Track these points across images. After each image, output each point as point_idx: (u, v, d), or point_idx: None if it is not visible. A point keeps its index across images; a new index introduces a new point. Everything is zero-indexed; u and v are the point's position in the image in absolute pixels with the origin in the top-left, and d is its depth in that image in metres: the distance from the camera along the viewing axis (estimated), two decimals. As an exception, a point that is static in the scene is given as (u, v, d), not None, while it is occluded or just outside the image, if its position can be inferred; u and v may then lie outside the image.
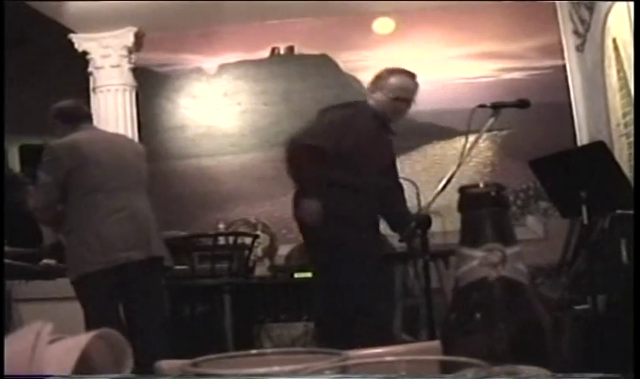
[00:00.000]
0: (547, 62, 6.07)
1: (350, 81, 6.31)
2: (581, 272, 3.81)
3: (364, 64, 6.30)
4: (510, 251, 0.71)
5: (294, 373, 0.55)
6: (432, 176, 5.61)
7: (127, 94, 6.36)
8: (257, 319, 4.57)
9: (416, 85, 3.94)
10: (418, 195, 4.53)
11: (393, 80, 3.87)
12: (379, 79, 3.91)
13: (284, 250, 5.36)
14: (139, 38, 6.35)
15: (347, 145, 3.64)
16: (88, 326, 3.54)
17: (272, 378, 0.56)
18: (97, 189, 3.71)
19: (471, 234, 0.72)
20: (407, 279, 4.53)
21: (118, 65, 6.31)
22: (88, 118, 3.97)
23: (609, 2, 4.85)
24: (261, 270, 5.13)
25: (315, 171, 3.62)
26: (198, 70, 6.53)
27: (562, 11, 5.99)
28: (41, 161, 3.77)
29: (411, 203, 4.95)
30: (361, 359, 0.59)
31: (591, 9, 5.34)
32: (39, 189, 3.81)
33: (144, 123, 6.39)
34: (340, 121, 3.76)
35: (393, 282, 4.26)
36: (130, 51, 6.34)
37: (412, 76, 3.94)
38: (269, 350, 0.63)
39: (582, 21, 5.59)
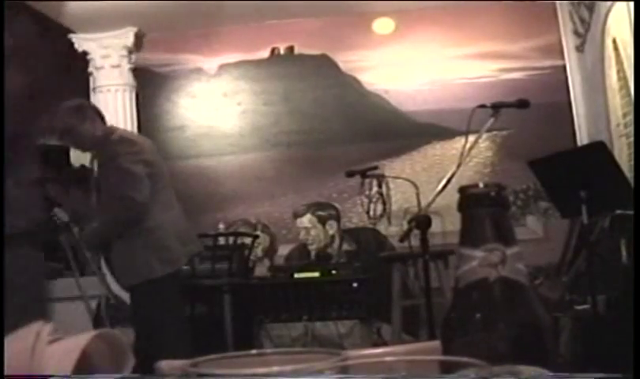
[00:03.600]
0: (547, 62, 6.07)
1: (350, 81, 6.32)
2: (581, 272, 3.81)
3: (364, 64, 6.31)
4: (510, 251, 0.71)
5: (294, 373, 0.55)
6: (432, 176, 5.61)
7: (127, 94, 6.36)
8: (257, 319, 4.56)
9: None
10: (418, 195, 4.52)
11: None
12: None
13: (284, 250, 5.36)
14: (139, 38, 6.35)
15: None
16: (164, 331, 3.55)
17: (272, 378, 0.56)
18: (164, 186, 3.77)
19: (471, 234, 0.72)
20: (407, 279, 4.52)
21: (118, 66, 6.31)
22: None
23: (609, 2, 4.85)
24: (261, 270, 5.12)
25: None
26: (198, 70, 6.53)
27: (562, 11, 5.99)
28: (118, 152, 3.62)
29: (411, 203, 4.97)
30: (361, 359, 0.59)
31: (591, 9, 5.34)
32: (139, 180, 3.60)
33: (144, 123, 6.39)
34: None
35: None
36: (130, 51, 6.34)
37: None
38: (269, 351, 0.63)
39: (582, 21, 5.59)
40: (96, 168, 3.85)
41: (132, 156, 3.63)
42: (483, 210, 0.72)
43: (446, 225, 4.57)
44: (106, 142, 3.70)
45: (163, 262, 3.62)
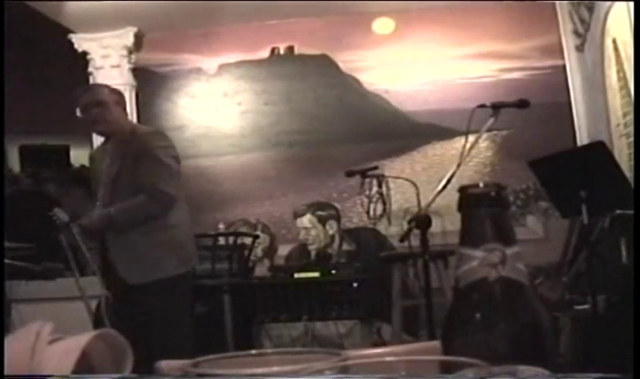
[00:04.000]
0: (547, 62, 6.07)
1: (350, 81, 6.31)
2: (581, 272, 3.81)
3: (364, 64, 6.31)
4: (510, 251, 0.71)
5: (294, 373, 0.55)
6: (432, 176, 5.61)
7: (127, 94, 6.35)
8: (257, 319, 4.55)
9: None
10: (418, 195, 4.53)
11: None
12: None
13: (284, 250, 5.36)
14: (139, 38, 6.35)
15: None
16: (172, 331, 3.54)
17: (272, 378, 0.56)
18: (182, 186, 3.79)
19: (471, 234, 0.72)
20: (407, 279, 4.52)
21: (118, 65, 6.31)
22: None
23: (609, 2, 4.85)
24: (261, 270, 5.12)
25: None
26: (198, 70, 6.53)
27: (562, 11, 5.98)
28: (152, 144, 3.60)
29: (411, 203, 4.97)
30: (361, 359, 0.59)
31: (591, 9, 5.34)
32: (171, 174, 3.59)
33: (145, 123, 6.39)
34: None
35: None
36: (130, 51, 6.34)
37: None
38: (269, 350, 0.63)
39: (582, 21, 5.59)
40: (107, 162, 3.80)
41: (166, 150, 3.63)
42: (483, 210, 0.72)
43: (446, 225, 4.57)
44: (134, 135, 3.70)
45: (179, 261, 3.61)
